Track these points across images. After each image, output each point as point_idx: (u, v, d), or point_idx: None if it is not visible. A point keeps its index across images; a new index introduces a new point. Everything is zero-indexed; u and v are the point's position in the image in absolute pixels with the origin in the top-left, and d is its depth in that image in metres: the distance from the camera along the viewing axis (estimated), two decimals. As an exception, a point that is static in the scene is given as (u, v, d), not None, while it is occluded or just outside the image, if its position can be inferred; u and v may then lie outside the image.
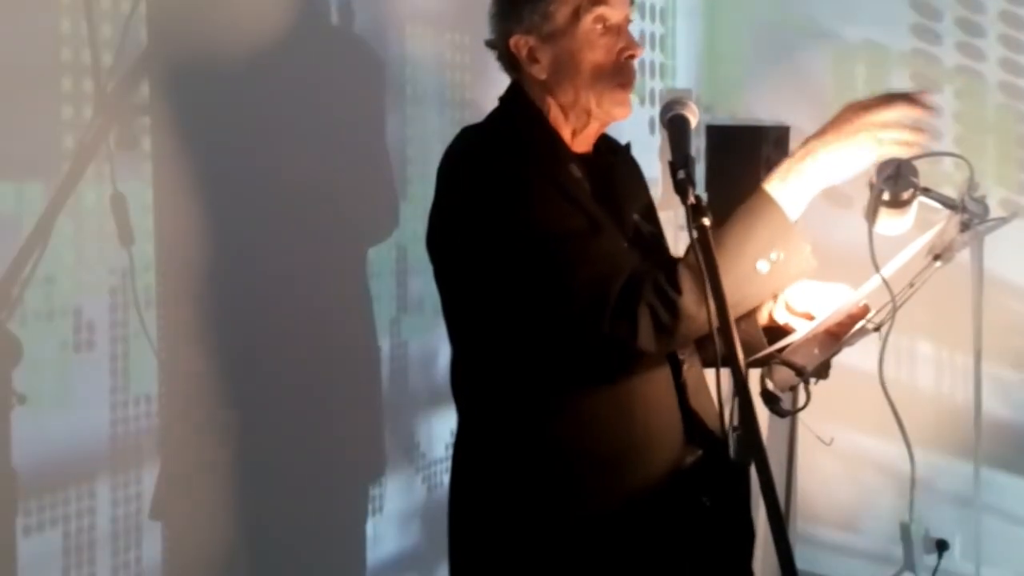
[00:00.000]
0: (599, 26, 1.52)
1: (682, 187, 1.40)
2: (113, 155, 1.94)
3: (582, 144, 1.60)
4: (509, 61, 1.58)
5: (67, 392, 1.87)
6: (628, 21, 1.55)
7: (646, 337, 1.40)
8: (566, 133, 1.58)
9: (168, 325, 2.04)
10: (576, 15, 1.51)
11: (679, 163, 1.42)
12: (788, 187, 1.43)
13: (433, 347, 2.57)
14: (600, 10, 1.51)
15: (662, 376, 1.54)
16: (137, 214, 2.00)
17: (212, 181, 2.10)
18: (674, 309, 1.40)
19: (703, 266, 1.37)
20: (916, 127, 1.42)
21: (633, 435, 1.51)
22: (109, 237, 1.96)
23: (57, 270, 1.86)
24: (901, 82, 3.36)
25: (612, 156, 1.65)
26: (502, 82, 1.63)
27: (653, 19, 3.34)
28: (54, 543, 1.87)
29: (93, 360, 1.92)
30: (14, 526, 1.79)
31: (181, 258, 2.07)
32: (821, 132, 1.44)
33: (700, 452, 1.56)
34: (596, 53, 1.51)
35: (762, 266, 1.42)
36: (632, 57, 1.53)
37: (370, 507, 2.49)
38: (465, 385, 1.59)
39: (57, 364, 1.86)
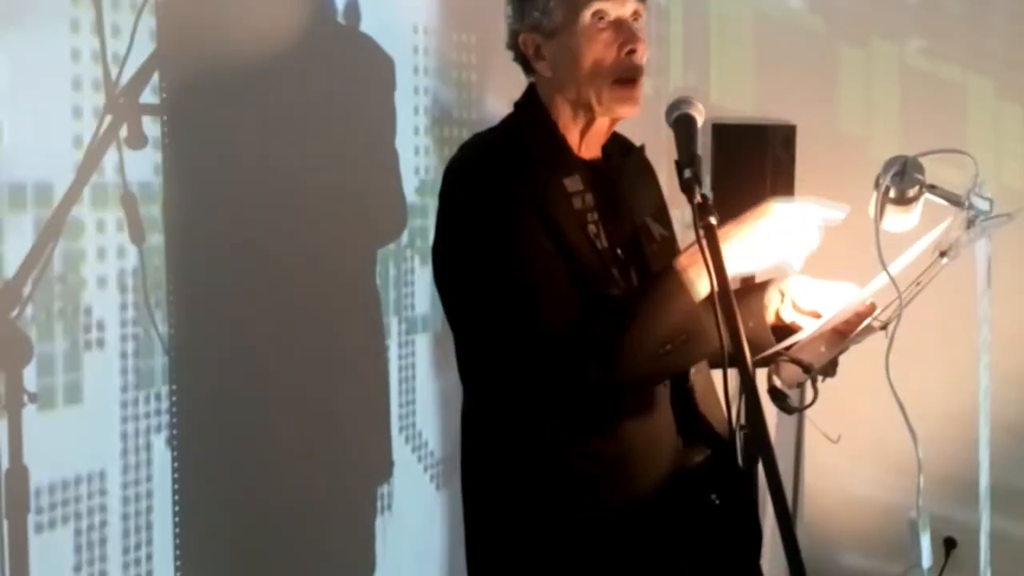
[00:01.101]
0: (599, 21, 1.51)
1: (688, 186, 1.41)
2: (124, 154, 1.95)
3: (592, 145, 1.60)
4: (521, 60, 1.59)
5: (78, 390, 1.88)
6: (636, 16, 1.54)
7: (590, 388, 1.44)
8: (574, 135, 1.58)
9: (178, 323, 2.05)
10: (575, 10, 1.51)
11: (685, 162, 1.42)
12: (698, 271, 1.42)
13: (440, 346, 2.57)
14: (598, 5, 1.51)
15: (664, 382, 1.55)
16: (147, 213, 2.01)
17: (222, 181, 2.11)
18: (608, 369, 1.43)
19: (709, 264, 1.37)
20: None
21: (634, 438, 1.51)
22: (120, 236, 1.97)
23: (67, 269, 1.87)
24: (909, 80, 3.35)
25: (623, 159, 1.65)
26: (511, 82, 1.64)
27: (657, 18, 3.34)
28: (65, 540, 1.88)
29: (103, 358, 1.93)
30: (26, 523, 1.80)
31: (191, 257, 2.08)
32: (738, 220, 1.45)
33: (708, 452, 1.56)
34: (595, 48, 1.51)
35: (666, 348, 1.44)
36: (632, 52, 1.52)
37: (378, 505, 2.50)
38: (468, 383, 1.59)
39: (67, 362, 1.87)
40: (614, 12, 1.52)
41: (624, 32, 1.52)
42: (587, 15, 1.51)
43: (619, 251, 1.55)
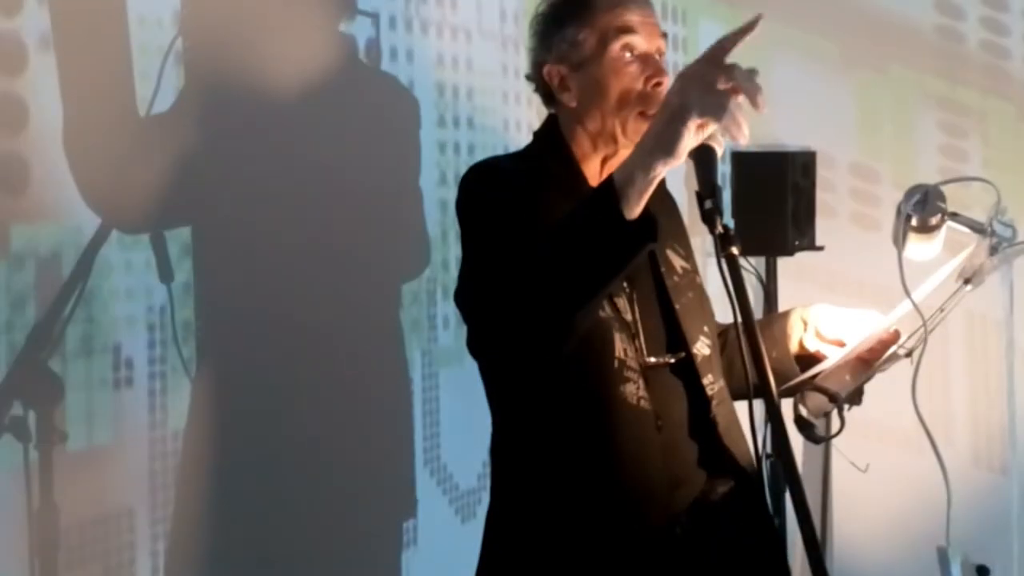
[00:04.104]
0: (627, 54, 1.53)
1: (710, 217, 1.41)
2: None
3: None
4: (544, 91, 1.61)
5: (107, 429, 1.90)
6: (660, 53, 1.56)
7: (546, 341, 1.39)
8: (594, 166, 1.59)
9: (206, 361, 2.07)
10: (604, 43, 1.53)
11: (706, 193, 1.43)
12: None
13: (464, 377, 2.58)
14: (627, 38, 1.53)
15: (679, 415, 1.54)
16: (176, 251, 2.03)
17: (249, 218, 2.14)
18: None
19: (732, 295, 1.38)
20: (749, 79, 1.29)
21: (645, 467, 1.50)
22: (148, 275, 1.99)
23: (97, 308, 1.89)
24: (928, 105, 3.35)
25: None
26: (534, 116, 1.65)
27: (675, 48, 3.36)
28: (95, 578, 1.89)
29: (132, 397, 1.95)
30: (56, 561, 1.81)
31: (219, 295, 2.10)
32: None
33: (732, 483, 1.56)
34: (623, 80, 1.53)
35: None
36: (659, 85, 1.54)
37: (403, 540, 2.50)
38: (494, 406, 1.60)
39: (97, 401, 1.89)
40: (642, 46, 1.54)
41: (652, 66, 1.54)
42: (616, 48, 1.53)
43: (625, 283, 1.55)
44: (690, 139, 1.32)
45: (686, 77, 1.34)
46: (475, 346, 1.49)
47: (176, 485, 2.02)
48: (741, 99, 1.33)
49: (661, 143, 1.32)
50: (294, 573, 2.22)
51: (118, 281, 1.93)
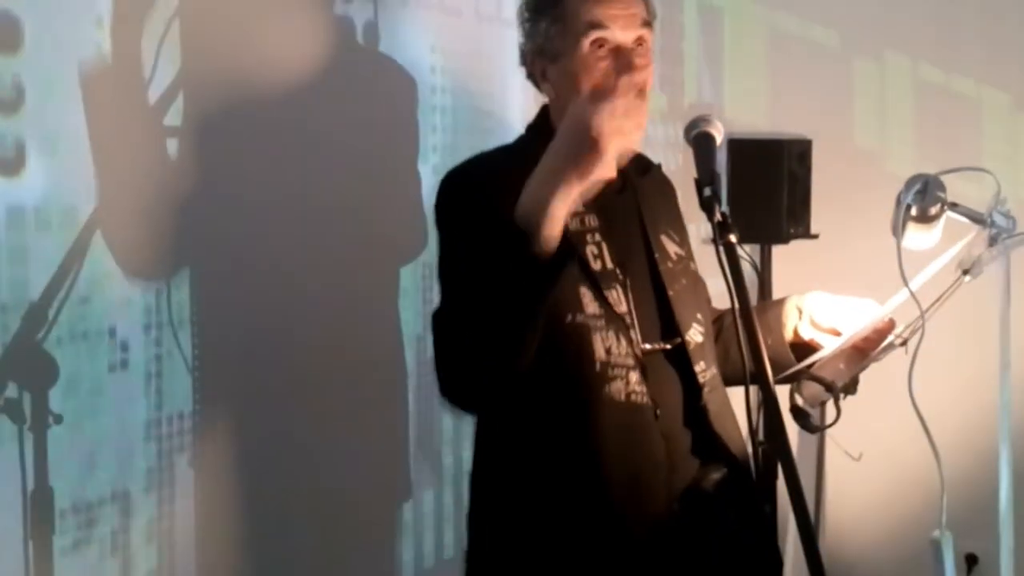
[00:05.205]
0: (598, 49, 1.51)
1: (708, 204, 1.42)
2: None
3: None
4: (533, 80, 1.61)
5: (102, 412, 1.90)
6: (640, 42, 1.53)
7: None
8: None
9: (201, 344, 2.06)
10: (575, 38, 1.51)
11: (705, 180, 1.44)
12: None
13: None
14: (596, 33, 1.50)
15: (674, 402, 1.54)
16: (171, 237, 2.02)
17: (243, 200, 2.13)
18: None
19: (730, 283, 1.38)
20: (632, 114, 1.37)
21: (639, 461, 1.51)
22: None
23: (92, 291, 1.88)
24: (923, 94, 3.35)
25: (641, 178, 1.65)
26: (528, 101, 1.65)
27: (672, 34, 3.35)
28: (89, 562, 1.89)
29: (127, 379, 1.94)
30: (51, 545, 1.81)
31: (214, 278, 2.10)
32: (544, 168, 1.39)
33: (725, 470, 1.56)
34: (592, 75, 1.50)
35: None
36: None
37: (399, 524, 2.50)
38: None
39: (92, 384, 1.88)
40: (615, 39, 1.51)
41: (623, 59, 1.51)
42: (586, 43, 1.51)
43: (618, 270, 1.54)
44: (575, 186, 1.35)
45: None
46: (443, 390, 1.52)
47: (171, 469, 2.01)
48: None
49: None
50: (290, 556, 2.23)
51: (113, 263, 1.92)
